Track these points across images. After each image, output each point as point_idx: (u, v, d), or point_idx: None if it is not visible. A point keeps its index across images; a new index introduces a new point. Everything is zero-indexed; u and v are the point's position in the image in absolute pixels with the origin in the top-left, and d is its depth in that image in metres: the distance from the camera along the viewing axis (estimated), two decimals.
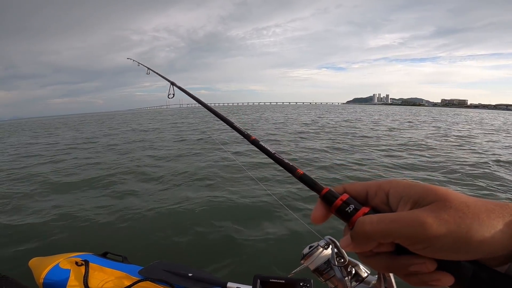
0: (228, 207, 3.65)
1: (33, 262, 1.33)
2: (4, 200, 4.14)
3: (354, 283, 0.51)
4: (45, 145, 11.29)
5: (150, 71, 1.65)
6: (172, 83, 1.09)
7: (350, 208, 0.29)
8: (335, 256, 0.53)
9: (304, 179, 0.34)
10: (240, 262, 2.36)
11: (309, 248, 0.56)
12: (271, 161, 0.39)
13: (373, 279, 0.50)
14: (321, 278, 0.59)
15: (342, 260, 0.53)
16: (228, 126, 0.53)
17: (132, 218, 3.33)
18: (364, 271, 0.53)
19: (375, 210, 0.28)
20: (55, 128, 23.50)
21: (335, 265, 0.53)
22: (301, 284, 0.89)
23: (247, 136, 0.46)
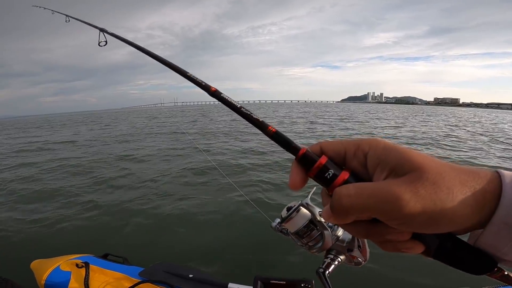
0: (231, 208, 3.66)
1: (35, 265, 1.33)
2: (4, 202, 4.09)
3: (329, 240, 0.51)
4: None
5: (69, 18, 1.31)
6: (102, 30, 0.93)
7: (329, 174, 0.27)
8: (317, 214, 0.53)
9: (277, 138, 0.30)
10: (241, 263, 2.38)
11: (287, 210, 0.54)
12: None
13: (347, 237, 0.51)
14: (302, 239, 0.54)
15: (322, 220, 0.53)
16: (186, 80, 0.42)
17: (133, 219, 3.32)
18: (340, 230, 0.53)
19: (353, 173, 0.27)
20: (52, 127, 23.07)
21: (320, 222, 0.52)
22: (302, 285, 0.91)
23: (206, 88, 0.38)
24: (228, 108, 0.35)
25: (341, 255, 0.51)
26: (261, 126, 0.31)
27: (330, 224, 0.53)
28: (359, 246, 0.49)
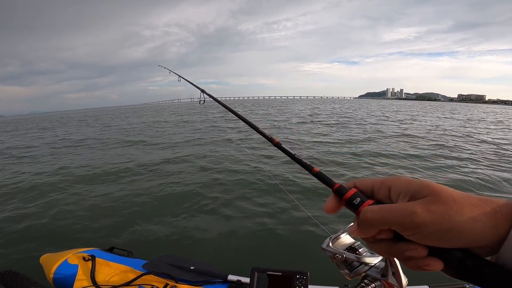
0: (236, 200, 3.69)
1: (44, 259, 1.38)
2: (14, 199, 4.26)
3: (366, 267, 0.55)
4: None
5: (181, 78, 1.79)
6: (202, 91, 1.27)
7: (357, 201, 0.34)
8: (352, 241, 0.57)
9: (320, 176, 0.39)
10: (242, 254, 2.41)
11: (329, 239, 0.57)
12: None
13: (382, 264, 0.53)
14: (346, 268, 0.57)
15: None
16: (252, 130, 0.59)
17: (140, 213, 3.39)
18: (376, 258, 0.56)
19: (379, 202, 0.33)
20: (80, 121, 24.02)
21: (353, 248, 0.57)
22: (297, 276, 0.89)
23: (270, 139, 0.53)
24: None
25: (376, 281, 0.55)
26: (308, 167, 0.41)
27: (369, 253, 0.57)
28: (393, 273, 0.50)
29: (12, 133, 17.94)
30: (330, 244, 0.56)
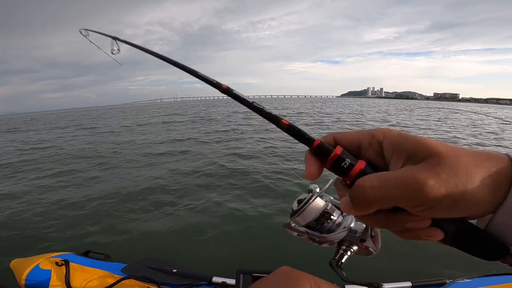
0: (212, 200, 3.62)
1: (14, 264, 1.30)
2: None
3: (342, 233, 0.49)
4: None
5: (88, 31, 1.50)
6: (115, 38, 0.95)
7: (346, 164, 0.27)
8: (331, 203, 0.50)
9: (291, 131, 0.31)
10: (226, 256, 2.35)
11: (298, 203, 0.50)
12: None
13: (360, 227, 0.49)
14: (314, 231, 0.51)
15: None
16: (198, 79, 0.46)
17: (115, 215, 3.26)
18: (352, 220, 0.51)
19: (370, 162, 0.27)
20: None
21: (335, 211, 0.50)
22: None
23: (217, 86, 0.41)
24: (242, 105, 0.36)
25: (353, 245, 0.49)
26: (274, 119, 0.32)
27: (343, 214, 0.51)
28: (372, 236, 0.46)
29: None
30: (292, 223, 0.50)
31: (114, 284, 1.13)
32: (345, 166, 0.27)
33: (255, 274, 0.88)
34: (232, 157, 5.99)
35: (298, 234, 0.50)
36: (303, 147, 0.30)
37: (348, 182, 0.27)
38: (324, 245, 0.50)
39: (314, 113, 19.76)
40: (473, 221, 0.27)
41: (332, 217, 0.49)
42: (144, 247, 2.53)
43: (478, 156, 0.24)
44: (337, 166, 0.28)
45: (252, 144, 7.59)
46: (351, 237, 0.48)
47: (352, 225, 0.49)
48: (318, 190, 0.51)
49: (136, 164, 5.84)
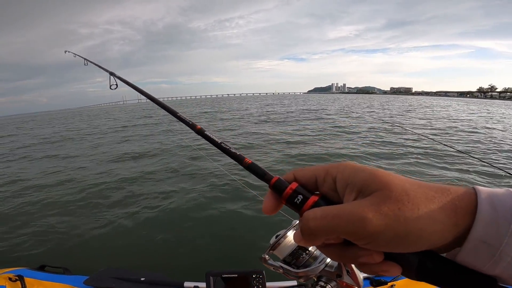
0: (173, 202, 3.54)
1: None
2: None
3: (319, 267, 0.49)
4: None
5: (88, 62, 1.56)
6: (111, 73, 1.05)
7: (298, 199, 0.28)
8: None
9: (253, 168, 0.33)
10: (195, 259, 2.30)
11: (275, 237, 0.52)
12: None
13: (336, 263, 0.49)
14: (290, 266, 0.52)
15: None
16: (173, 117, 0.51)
17: (71, 226, 3.04)
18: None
19: (324, 197, 0.28)
20: None
21: (303, 250, 0.51)
22: (253, 276, 0.89)
23: (192, 126, 0.44)
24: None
25: (331, 282, 0.50)
26: (238, 158, 0.34)
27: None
28: (348, 272, 0.46)
29: None
30: (267, 257, 0.51)
31: None
32: (297, 202, 0.28)
33: (226, 275, 0.88)
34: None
35: (273, 268, 0.52)
36: None
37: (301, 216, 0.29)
38: (301, 280, 0.51)
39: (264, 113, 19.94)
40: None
41: (309, 249, 0.50)
42: (104, 258, 2.38)
43: (433, 190, 0.24)
44: (291, 201, 0.29)
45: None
46: (328, 272, 0.48)
47: (328, 260, 0.49)
48: (296, 223, 0.52)
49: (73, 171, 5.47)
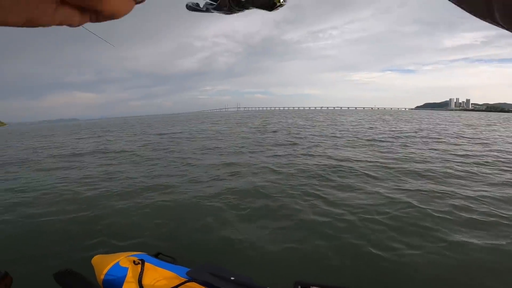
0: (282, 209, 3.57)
1: (96, 260, 1.46)
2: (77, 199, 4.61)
3: None
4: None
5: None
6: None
7: None
8: None
9: None
10: (283, 267, 2.27)
11: None
12: None
13: None
14: None
15: None
16: None
17: (183, 221, 3.45)
18: None
19: None
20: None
21: None
22: None
23: None
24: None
25: None
26: None
27: None
28: None
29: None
30: None
31: (179, 285, 1.19)
32: None
33: (314, 287, 0.82)
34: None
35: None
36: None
37: None
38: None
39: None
40: None
41: None
42: (205, 254, 2.65)
43: None
44: None
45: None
46: None
47: None
48: None
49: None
